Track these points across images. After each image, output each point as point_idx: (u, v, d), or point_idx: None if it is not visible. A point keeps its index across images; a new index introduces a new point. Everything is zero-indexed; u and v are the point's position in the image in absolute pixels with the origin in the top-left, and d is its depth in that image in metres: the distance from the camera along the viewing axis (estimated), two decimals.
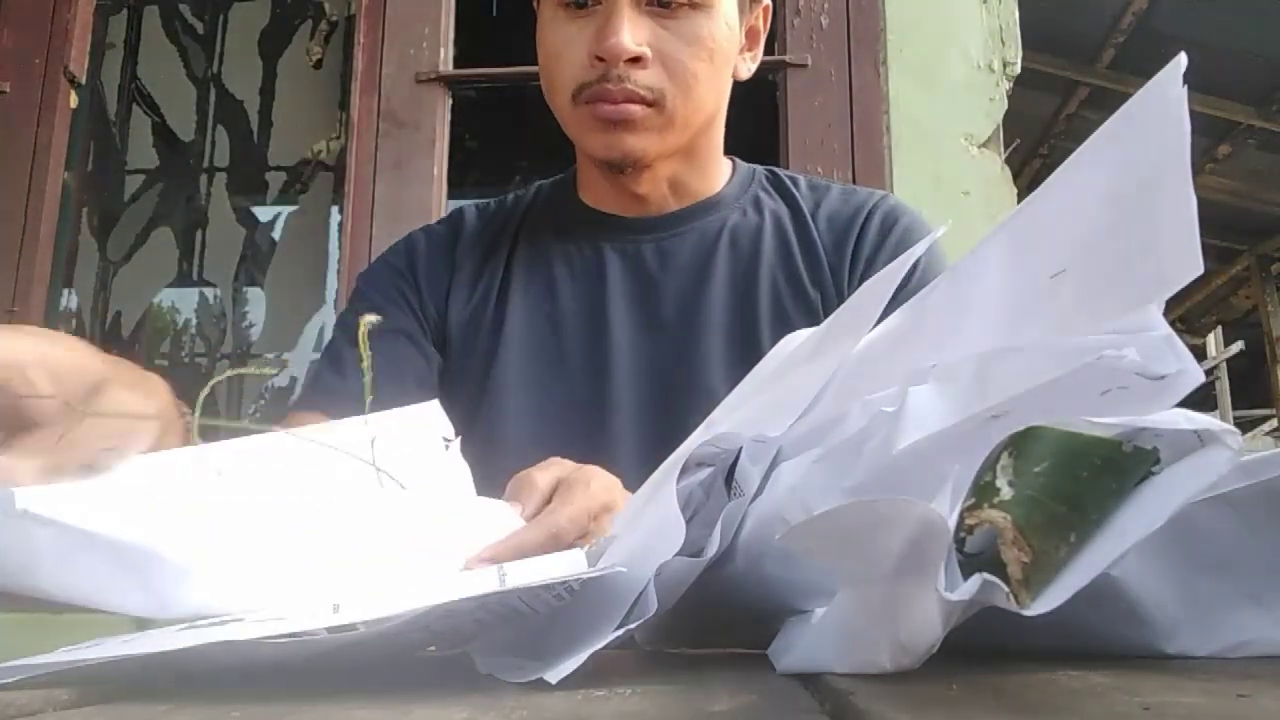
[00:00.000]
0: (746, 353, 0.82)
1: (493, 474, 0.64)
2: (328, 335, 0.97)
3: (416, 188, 1.77)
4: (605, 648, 0.36)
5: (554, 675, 0.34)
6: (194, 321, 3.16)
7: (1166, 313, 0.33)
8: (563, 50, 0.81)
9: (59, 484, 0.45)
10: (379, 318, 0.60)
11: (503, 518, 0.58)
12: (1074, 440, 0.29)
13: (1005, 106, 1.70)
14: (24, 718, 0.32)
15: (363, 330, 0.57)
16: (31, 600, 0.43)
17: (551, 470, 0.61)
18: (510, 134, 2.97)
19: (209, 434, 0.54)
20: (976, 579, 0.27)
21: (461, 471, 0.63)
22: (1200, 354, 5.48)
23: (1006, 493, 0.29)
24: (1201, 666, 0.35)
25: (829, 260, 0.87)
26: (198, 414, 0.54)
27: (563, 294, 0.88)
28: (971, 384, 0.35)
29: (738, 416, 0.49)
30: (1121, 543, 0.28)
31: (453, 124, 1.83)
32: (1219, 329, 5.72)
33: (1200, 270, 0.30)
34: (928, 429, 0.34)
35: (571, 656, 0.35)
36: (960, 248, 0.45)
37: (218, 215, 3.17)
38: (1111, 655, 0.37)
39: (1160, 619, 0.37)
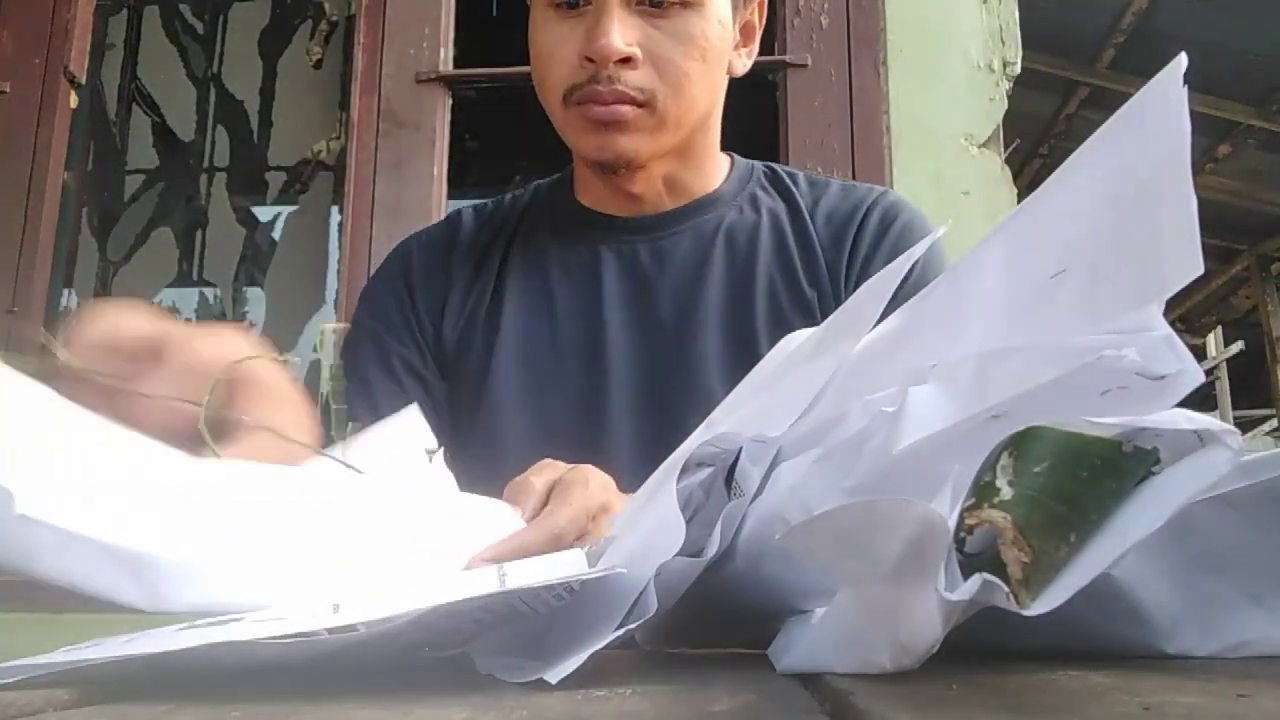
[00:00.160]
0: (743, 352, 0.82)
1: (491, 476, 0.64)
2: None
3: (416, 188, 1.77)
4: (605, 648, 0.36)
5: (554, 675, 0.34)
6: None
7: (1166, 313, 0.33)
8: (553, 51, 0.81)
9: (60, 481, 0.45)
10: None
11: (502, 517, 0.58)
12: (1074, 440, 0.29)
13: (1005, 106, 1.70)
14: (24, 718, 0.32)
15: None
16: (31, 582, 0.43)
17: (546, 474, 0.61)
18: (510, 134, 2.97)
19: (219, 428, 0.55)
20: (976, 579, 0.27)
21: (447, 480, 0.64)
22: (1200, 354, 5.48)
23: (1006, 493, 0.29)
24: (1201, 666, 0.35)
25: (826, 258, 0.86)
26: (204, 414, 0.54)
27: (558, 295, 0.88)
28: (971, 384, 0.35)
29: (738, 416, 0.49)
30: (1121, 543, 0.28)
31: (453, 124, 1.83)
32: (1219, 329, 5.72)
33: (1200, 270, 0.30)
34: (928, 429, 0.34)
35: (571, 656, 0.35)
36: (960, 248, 0.45)
37: (218, 215, 3.17)
38: (1111, 655, 0.37)
39: (1160, 619, 0.37)
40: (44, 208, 1.84)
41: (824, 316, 0.79)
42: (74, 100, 1.94)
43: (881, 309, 0.45)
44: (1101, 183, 0.35)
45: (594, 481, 0.61)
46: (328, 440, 0.61)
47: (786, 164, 1.07)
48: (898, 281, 0.45)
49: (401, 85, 1.82)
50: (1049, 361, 0.33)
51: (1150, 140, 0.33)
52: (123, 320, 0.58)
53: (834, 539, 0.32)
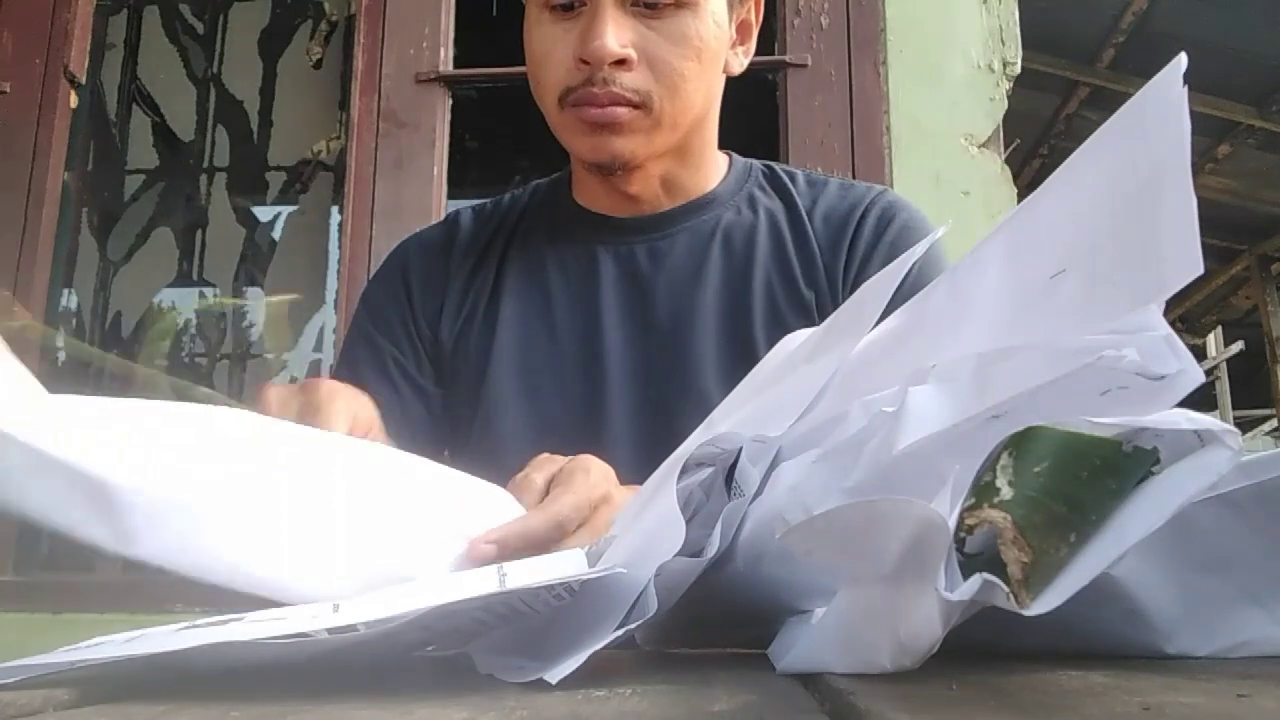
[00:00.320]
0: (740, 353, 0.82)
1: (490, 476, 0.64)
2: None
3: (416, 188, 1.77)
4: (605, 648, 0.36)
5: (554, 675, 0.34)
6: (194, 321, 3.15)
7: (1166, 313, 0.33)
8: (548, 53, 0.81)
9: (45, 409, 0.45)
10: None
11: (504, 505, 0.58)
12: (1074, 440, 0.29)
13: (1005, 106, 1.70)
14: (24, 718, 0.32)
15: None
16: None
17: (546, 468, 0.61)
18: (510, 134, 2.97)
19: None
20: (976, 579, 0.27)
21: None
22: (1200, 354, 5.48)
23: (1006, 493, 0.29)
24: (1201, 666, 0.35)
25: (824, 259, 0.86)
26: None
27: (556, 295, 0.88)
28: (971, 384, 0.35)
29: (738, 417, 0.49)
30: (1121, 543, 0.28)
31: (453, 124, 1.83)
32: (1219, 329, 5.72)
33: (1200, 270, 0.30)
34: (928, 429, 0.34)
35: (571, 656, 0.35)
36: (960, 248, 0.45)
37: (218, 215, 3.17)
38: (1111, 655, 0.37)
39: (1160, 619, 0.37)
40: (44, 208, 1.84)
41: (821, 317, 0.79)
42: (74, 100, 1.94)
43: (881, 309, 0.45)
44: (1101, 183, 0.35)
45: (595, 470, 0.61)
46: None
47: (786, 164, 1.07)
48: (898, 282, 0.45)
49: (401, 85, 1.82)
50: (1049, 362, 0.33)
51: (1150, 140, 0.33)
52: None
53: (834, 539, 0.32)
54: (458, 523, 0.53)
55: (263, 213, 3.18)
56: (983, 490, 0.29)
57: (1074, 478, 0.29)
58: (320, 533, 0.48)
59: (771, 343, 0.54)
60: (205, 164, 3.19)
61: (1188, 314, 5.68)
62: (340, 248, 1.80)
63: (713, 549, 0.41)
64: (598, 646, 0.36)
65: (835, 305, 0.83)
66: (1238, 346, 5.40)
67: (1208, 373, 5.20)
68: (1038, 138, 3.95)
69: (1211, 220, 4.40)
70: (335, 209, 3.02)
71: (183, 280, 3.15)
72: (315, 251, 3.10)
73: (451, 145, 1.82)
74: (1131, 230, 0.33)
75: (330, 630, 0.36)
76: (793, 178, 0.92)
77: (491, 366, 0.86)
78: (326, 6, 3.06)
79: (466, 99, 2.05)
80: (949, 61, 1.72)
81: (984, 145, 1.69)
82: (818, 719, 0.28)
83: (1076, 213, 0.36)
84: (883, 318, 0.45)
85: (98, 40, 2.71)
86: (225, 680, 0.38)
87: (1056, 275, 0.35)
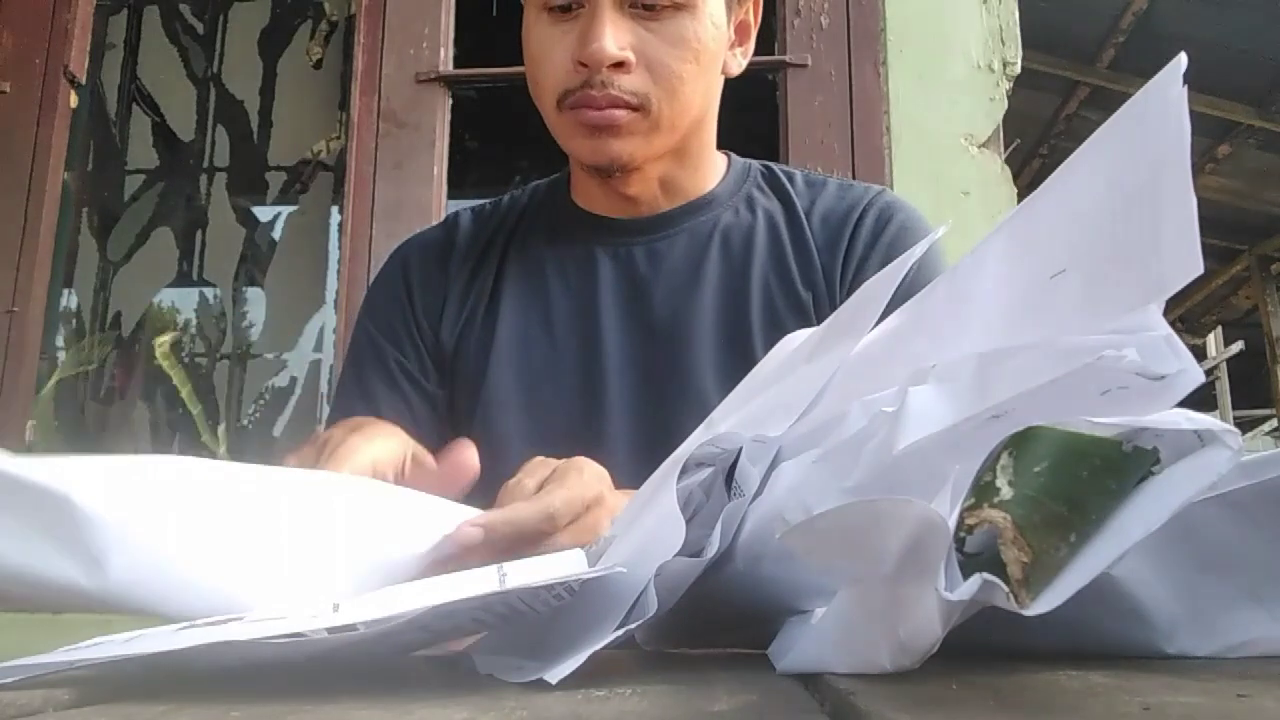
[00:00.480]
0: (738, 354, 0.82)
1: (489, 477, 0.64)
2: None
3: (416, 188, 1.77)
4: (605, 648, 0.36)
5: (554, 675, 0.34)
6: (194, 321, 3.15)
7: (1166, 313, 0.33)
8: (546, 55, 0.81)
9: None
10: None
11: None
12: (1074, 440, 0.29)
13: (1005, 106, 1.70)
14: (24, 718, 0.32)
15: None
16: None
17: (539, 472, 0.61)
18: (510, 134, 2.97)
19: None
20: (976, 579, 0.27)
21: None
22: (1200, 354, 5.48)
23: (1006, 493, 0.29)
24: (1201, 666, 0.35)
25: (822, 260, 0.86)
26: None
27: (555, 297, 0.88)
28: (971, 384, 0.35)
29: (738, 417, 0.49)
30: (1121, 543, 0.28)
31: (453, 124, 1.83)
32: (1219, 329, 5.72)
33: (1200, 270, 0.30)
34: (928, 429, 0.34)
35: (571, 656, 0.35)
36: (960, 248, 0.45)
37: (218, 215, 3.17)
38: (1111, 655, 0.37)
39: (1160, 619, 0.37)
40: (44, 208, 1.84)
41: (819, 318, 0.79)
42: (74, 100, 1.94)
43: (881, 309, 0.45)
44: (1101, 183, 0.35)
45: (589, 471, 0.61)
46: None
47: (786, 164, 1.07)
48: (897, 282, 0.45)
49: (401, 85, 1.82)
50: (1049, 361, 0.32)
51: (1150, 140, 0.33)
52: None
53: (834, 539, 0.32)
54: (425, 540, 0.53)
55: (263, 213, 3.18)
56: (983, 490, 0.29)
57: (1074, 477, 0.29)
58: (292, 555, 0.48)
59: (768, 344, 0.54)
60: (205, 164, 3.19)
61: (1188, 314, 5.68)
62: (340, 248, 1.80)
63: (713, 549, 0.41)
64: (598, 646, 0.36)
65: (833, 306, 0.83)
66: (1238, 346, 5.40)
67: (1208, 373, 5.20)
68: (1038, 138, 3.95)
69: (1211, 220, 4.40)
70: (335, 209, 3.02)
71: (183, 280, 3.15)
72: (315, 251, 3.10)
73: (451, 145, 1.82)
74: (1131, 230, 0.33)
75: (330, 630, 0.36)
76: (791, 178, 0.92)
77: (490, 367, 0.86)
78: (326, 6, 3.06)
79: (466, 99, 2.05)
80: (949, 61, 1.72)
81: (984, 145, 1.69)
82: (818, 719, 0.28)
83: (1076, 212, 0.36)
84: (882, 318, 0.45)
85: (98, 40, 2.71)
86: (225, 680, 0.38)
87: (1056, 275, 0.35)
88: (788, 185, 0.91)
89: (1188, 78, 0.32)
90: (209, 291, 3.14)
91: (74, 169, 2.72)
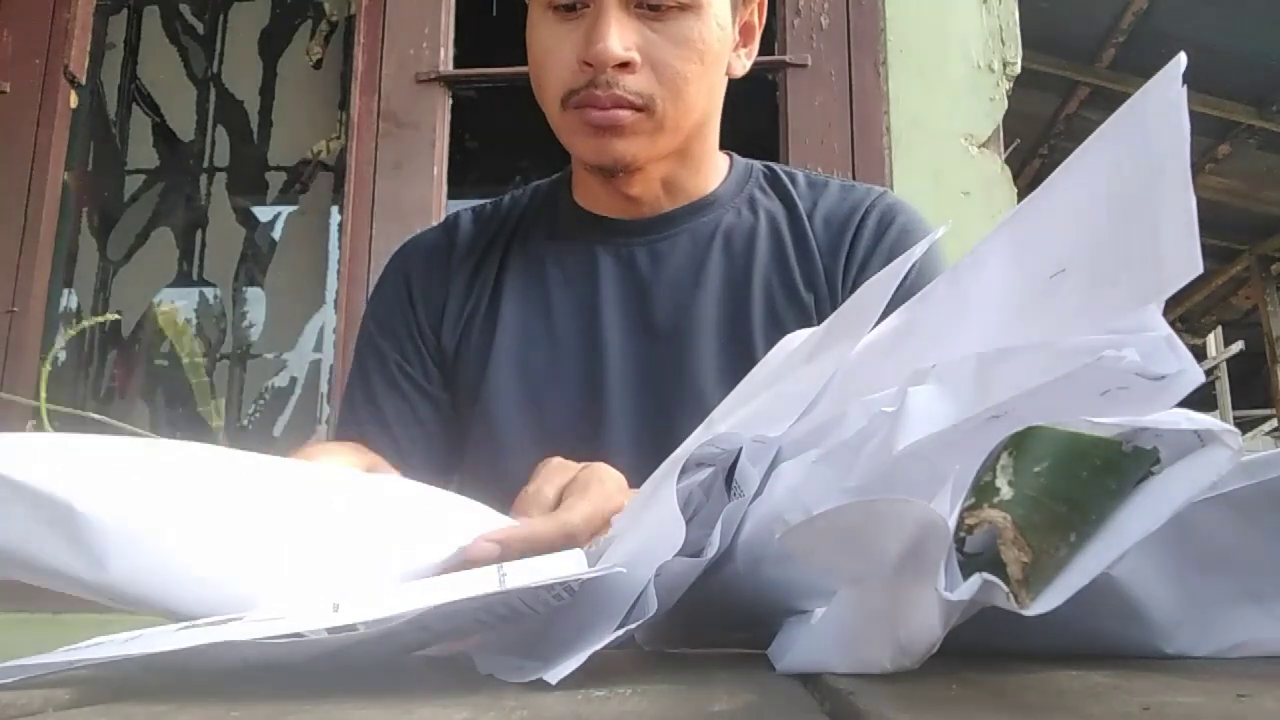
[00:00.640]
0: (739, 355, 0.82)
1: (490, 478, 0.64)
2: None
3: (416, 188, 1.77)
4: (605, 648, 0.36)
5: (554, 675, 0.34)
6: (194, 321, 3.15)
7: (1166, 313, 0.33)
8: (551, 54, 0.81)
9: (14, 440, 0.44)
10: None
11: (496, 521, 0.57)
12: (1074, 440, 0.29)
13: (1005, 106, 1.70)
14: (24, 718, 0.32)
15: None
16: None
17: (557, 478, 0.60)
18: (510, 134, 2.97)
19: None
20: (976, 579, 0.27)
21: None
22: (1200, 354, 5.48)
23: (1006, 493, 0.29)
24: (1201, 666, 0.35)
25: (823, 261, 0.86)
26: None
27: (556, 297, 0.88)
28: (971, 384, 0.35)
29: (738, 417, 0.49)
30: (1121, 543, 0.28)
31: (453, 124, 1.83)
32: (1219, 329, 5.71)
33: (1200, 270, 0.30)
34: (927, 429, 0.34)
35: (571, 656, 0.35)
36: (960, 248, 0.45)
37: (218, 215, 3.17)
38: (1111, 655, 0.37)
39: (1160, 619, 0.37)
40: (44, 208, 1.84)
41: (821, 319, 0.79)
42: (74, 100, 1.94)
43: (881, 310, 0.45)
44: (1101, 182, 0.35)
45: (611, 481, 0.59)
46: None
47: (787, 164, 1.06)
48: (897, 282, 0.45)
49: (401, 85, 1.82)
50: (1049, 361, 0.33)
51: (1150, 140, 0.33)
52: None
53: (834, 539, 0.32)
54: (441, 542, 0.52)
55: (263, 213, 3.18)
56: (983, 490, 0.29)
57: (1074, 478, 0.29)
58: (298, 554, 0.48)
59: (770, 345, 0.54)
60: (205, 164, 3.19)
61: (1188, 314, 5.68)
62: (340, 248, 1.80)
63: (712, 549, 0.41)
64: (598, 646, 0.36)
65: (834, 307, 0.83)
66: (1238, 346, 5.40)
67: (1208, 373, 5.20)
68: (1038, 138, 3.95)
69: (1211, 220, 4.40)
70: (335, 209, 3.02)
71: (183, 280, 3.15)
72: (315, 251, 3.10)
73: (451, 145, 1.82)
74: (1131, 230, 0.33)
75: (330, 630, 0.36)
76: (793, 179, 0.92)
77: (491, 368, 0.86)
78: (326, 6, 3.06)
79: (466, 99, 2.05)
80: (949, 61, 1.72)
81: (984, 145, 1.69)
82: (818, 719, 0.28)
83: (1076, 212, 0.36)
84: (882, 318, 0.45)
85: (98, 40, 2.71)
86: (225, 680, 0.38)
87: (1056, 275, 0.35)
88: (790, 186, 0.91)
89: (1187, 78, 0.32)
90: (209, 291, 3.14)
91: (74, 169, 2.72)
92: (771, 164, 0.95)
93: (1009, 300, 0.38)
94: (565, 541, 0.53)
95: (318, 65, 3.04)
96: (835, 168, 1.67)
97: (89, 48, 1.98)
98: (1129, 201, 0.33)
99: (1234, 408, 5.53)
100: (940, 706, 0.27)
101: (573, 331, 0.86)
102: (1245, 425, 6.12)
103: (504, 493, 0.61)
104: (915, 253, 0.47)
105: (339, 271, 1.80)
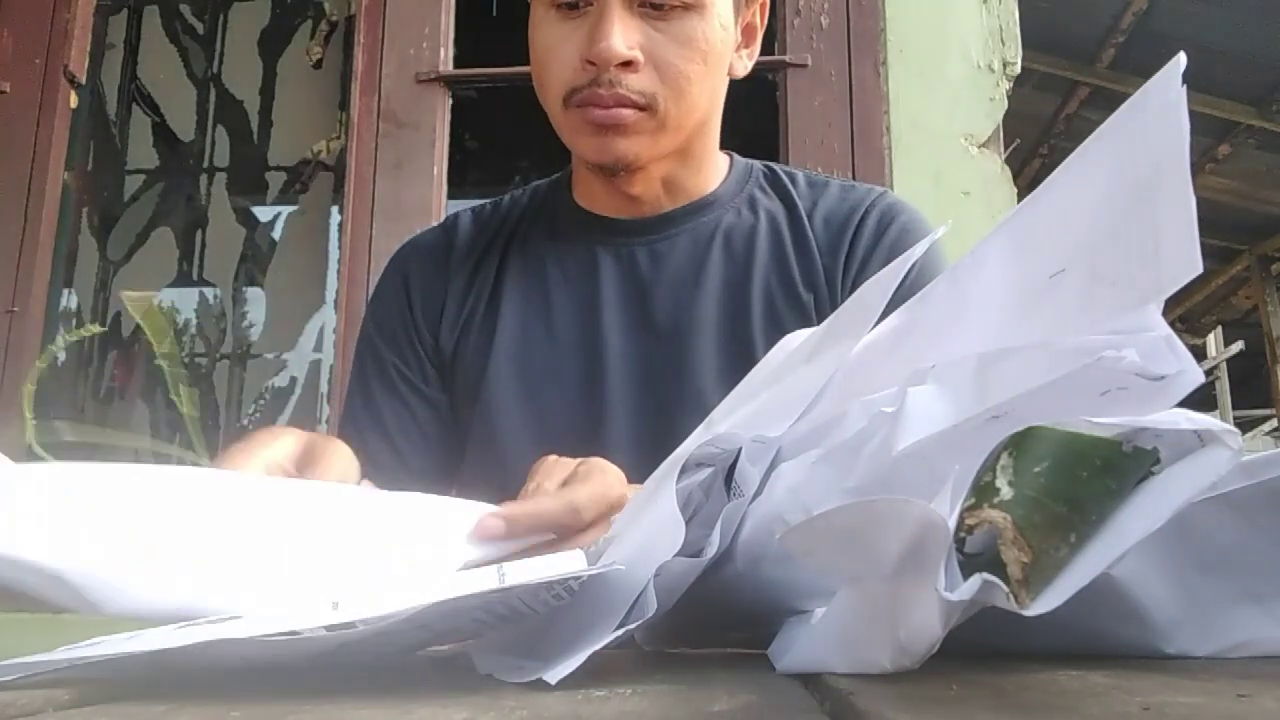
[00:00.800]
0: (739, 355, 0.82)
1: (490, 478, 0.64)
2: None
3: (416, 188, 1.77)
4: (605, 648, 0.36)
5: (554, 675, 0.34)
6: (194, 321, 3.15)
7: (1166, 313, 0.33)
8: (553, 52, 0.81)
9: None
10: None
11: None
12: (1074, 440, 0.29)
13: (1005, 106, 1.70)
14: (24, 718, 0.32)
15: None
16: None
17: (556, 474, 0.60)
18: (510, 134, 2.97)
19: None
20: (976, 579, 0.27)
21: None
22: (1200, 354, 5.48)
23: (1006, 493, 0.29)
24: (1201, 666, 0.35)
25: (823, 261, 0.86)
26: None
27: (556, 297, 0.88)
28: (971, 384, 0.35)
29: (737, 417, 0.49)
30: (1121, 543, 0.28)
31: (453, 124, 1.83)
32: (1219, 329, 5.72)
33: (1200, 270, 0.30)
34: (927, 429, 0.34)
35: (571, 656, 0.35)
36: (960, 248, 0.45)
37: (218, 215, 3.17)
38: (1111, 655, 0.37)
39: (1160, 619, 0.37)
40: (44, 208, 1.84)
41: (820, 319, 0.79)
42: (74, 100, 1.94)
43: (881, 309, 0.45)
44: (1101, 182, 0.35)
45: (612, 473, 0.60)
46: None
47: (787, 164, 1.06)
48: (897, 282, 0.45)
49: (401, 85, 1.82)
50: (1049, 362, 0.32)
51: (1149, 140, 0.33)
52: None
53: (834, 539, 0.32)
54: (449, 541, 0.53)
55: (263, 213, 3.18)
56: (983, 490, 0.29)
57: (1074, 478, 0.29)
58: (297, 565, 0.48)
59: (770, 344, 0.54)
60: (205, 164, 3.19)
61: (1188, 314, 5.68)
62: (340, 248, 1.80)
63: (712, 549, 0.41)
64: (597, 646, 0.36)
65: (834, 307, 0.83)
66: (1238, 346, 5.40)
67: (1208, 373, 5.20)
68: (1038, 138, 3.95)
69: (1211, 220, 4.40)
70: (335, 209, 3.02)
71: (183, 280, 3.15)
72: (315, 251, 3.10)
73: (451, 145, 1.82)
74: (1131, 230, 0.33)
75: (329, 629, 0.36)
76: (793, 179, 0.92)
77: (491, 367, 0.86)
78: (326, 6, 3.06)
79: (466, 99, 2.05)
80: (949, 61, 1.72)
81: (984, 145, 1.69)
82: (818, 719, 0.28)
83: (1076, 212, 0.36)
84: (882, 318, 0.45)
85: (98, 40, 2.71)
86: (225, 680, 0.38)
87: (1056, 275, 0.35)
88: (790, 186, 0.91)
89: (1187, 78, 0.32)
90: (209, 291, 3.14)
91: (74, 169, 2.72)
92: (771, 164, 0.95)
93: (1009, 300, 0.38)
94: (570, 517, 0.54)
95: (318, 65, 3.04)
96: (835, 168, 1.67)
97: (89, 48, 1.98)
98: (1129, 201, 0.33)
99: (1234, 408, 5.53)
100: (940, 706, 0.27)
101: (573, 331, 0.86)
102: (1245, 425, 6.12)
103: (504, 492, 0.61)
104: (915, 253, 0.47)
105: (339, 271, 1.80)
